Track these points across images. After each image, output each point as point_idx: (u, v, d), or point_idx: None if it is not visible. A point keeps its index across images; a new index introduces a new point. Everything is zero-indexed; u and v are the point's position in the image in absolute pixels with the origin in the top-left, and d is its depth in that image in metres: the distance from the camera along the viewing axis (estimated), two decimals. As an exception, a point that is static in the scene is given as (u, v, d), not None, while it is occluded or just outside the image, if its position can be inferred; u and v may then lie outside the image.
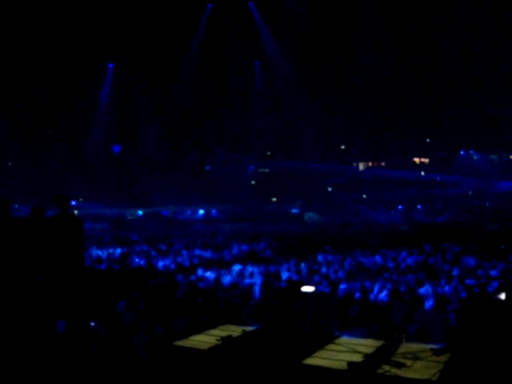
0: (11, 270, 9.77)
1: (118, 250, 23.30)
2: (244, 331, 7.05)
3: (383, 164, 43.91)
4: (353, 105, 36.34)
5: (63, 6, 29.73)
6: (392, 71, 33.48)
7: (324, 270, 15.41)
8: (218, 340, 6.64)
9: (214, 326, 7.54)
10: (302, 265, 16.38)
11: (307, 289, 7.13)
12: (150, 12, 30.86)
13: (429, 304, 10.69)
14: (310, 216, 38.81)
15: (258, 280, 13.74)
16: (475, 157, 40.51)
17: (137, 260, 19.40)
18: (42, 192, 31.14)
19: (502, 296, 6.83)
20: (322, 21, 31.32)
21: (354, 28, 31.69)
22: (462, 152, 40.54)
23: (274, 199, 41.53)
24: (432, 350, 5.93)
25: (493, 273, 13.59)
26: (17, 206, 25.80)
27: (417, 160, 42.39)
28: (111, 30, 31.18)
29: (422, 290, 11.66)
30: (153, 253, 21.92)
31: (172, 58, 34.55)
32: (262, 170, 43.90)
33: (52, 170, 38.71)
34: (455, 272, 13.76)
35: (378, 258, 17.74)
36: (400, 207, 38.38)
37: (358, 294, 11.77)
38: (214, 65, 35.39)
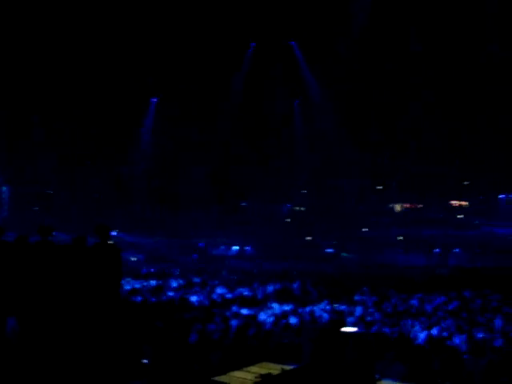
0: (51, 296, 9.91)
1: (153, 282, 23.44)
2: (283, 369, 6.99)
3: (420, 206, 43.37)
4: (392, 145, 36.34)
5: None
6: (435, 114, 33.51)
7: (360, 311, 15.22)
8: (256, 377, 6.61)
9: (251, 363, 7.49)
10: (337, 305, 16.24)
11: (348, 329, 7.05)
12: (193, 48, 31.65)
13: (464, 350, 10.50)
14: (345, 256, 38.43)
15: (293, 319, 13.63)
16: (514, 200, 39.78)
17: (171, 293, 19.46)
18: (81, 220, 31.76)
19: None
20: (365, 59, 31.55)
21: (398, 68, 31.79)
22: (502, 196, 39.85)
23: (309, 238, 41.27)
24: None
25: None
26: (56, 233, 26.12)
27: (455, 203, 41.77)
28: (154, 65, 32.10)
29: (459, 338, 11.44)
30: (187, 287, 21.99)
31: (213, 95, 35.19)
32: (298, 208, 43.81)
33: (92, 199, 39.34)
34: (497, 321, 13.43)
35: (415, 301, 17.47)
36: (437, 250, 37.75)
37: (395, 337, 11.59)
38: (254, 103, 35.90)
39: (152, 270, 31.21)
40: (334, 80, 32.51)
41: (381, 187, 41.75)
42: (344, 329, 7.04)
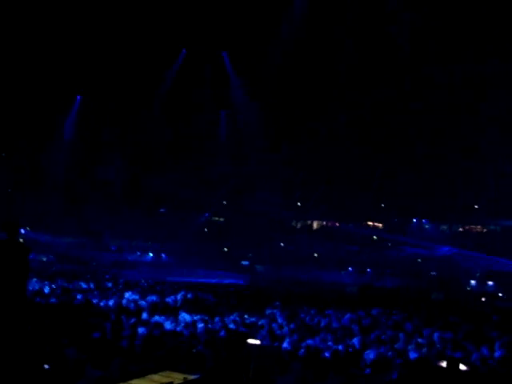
0: None
1: (62, 284, 22.75)
2: (185, 379, 6.89)
3: (337, 224, 44.34)
4: (313, 163, 37.04)
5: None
6: (356, 136, 34.47)
7: (269, 324, 15.30)
8: (157, 386, 6.48)
9: (155, 372, 7.34)
10: (248, 317, 16.28)
11: (253, 341, 7.05)
12: (125, 49, 31.17)
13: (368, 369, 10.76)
14: (260, 269, 38.71)
15: (202, 329, 13.53)
16: (427, 226, 41.42)
17: (80, 296, 18.91)
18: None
19: (443, 364, 6.92)
20: (293, 76, 31.90)
21: (324, 85, 32.36)
22: (414, 220, 41.39)
23: (225, 249, 41.31)
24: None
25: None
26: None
27: (370, 224, 43.01)
28: (83, 63, 31.34)
29: (365, 354, 11.73)
30: (96, 291, 21.46)
31: (140, 98, 34.68)
32: (216, 218, 43.81)
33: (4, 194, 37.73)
34: (400, 336, 13.87)
35: (324, 317, 17.74)
36: (350, 269, 38.69)
37: (301, 352, 11.70)
38: (180, 109, 35.67)
39: (62, 271, 30.27)
40: (262, 92, 32.77)
41: (299, 204, 42.44)
42: (249, 341, 7.04)
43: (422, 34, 28.13)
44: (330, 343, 12.59)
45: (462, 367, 6.58)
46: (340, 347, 12.23)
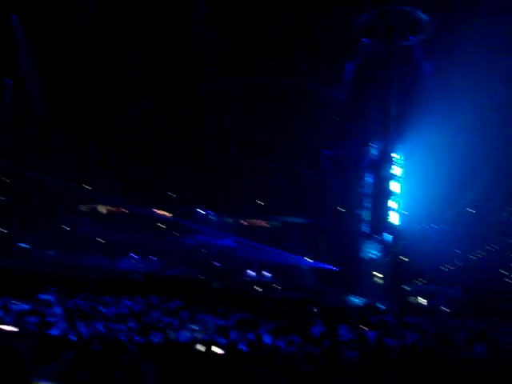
0: None
1: None
2: None
3: (125, 211, 43.73)
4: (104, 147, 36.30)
5: None
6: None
7: (42, 311, 14.65)
8: None
9: None
10: (16, 303, 15.45)
11: (5, 328, 6.65)
12: None
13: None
14: (39, 253, 36.71)
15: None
16: (212, 218, 42.63)
17: None
18: None
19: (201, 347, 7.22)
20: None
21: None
22: (200, 211, 42.33)
23: (4, 230, 38.40)
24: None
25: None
26: None
27: (158, 212, 43.05)
28: None
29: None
30: None
31: None
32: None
33: None
34: (175, 323, 14.21)
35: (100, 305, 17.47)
36: (136, 256, 38.42)
37: (73, 339, 11.37)
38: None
39: None
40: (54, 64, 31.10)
41: (89, 188, 41.13)
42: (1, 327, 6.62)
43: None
44: (101, 329, 12.42)
45: (217, 350, 6.92)
46: (115, 333, 12.15)
